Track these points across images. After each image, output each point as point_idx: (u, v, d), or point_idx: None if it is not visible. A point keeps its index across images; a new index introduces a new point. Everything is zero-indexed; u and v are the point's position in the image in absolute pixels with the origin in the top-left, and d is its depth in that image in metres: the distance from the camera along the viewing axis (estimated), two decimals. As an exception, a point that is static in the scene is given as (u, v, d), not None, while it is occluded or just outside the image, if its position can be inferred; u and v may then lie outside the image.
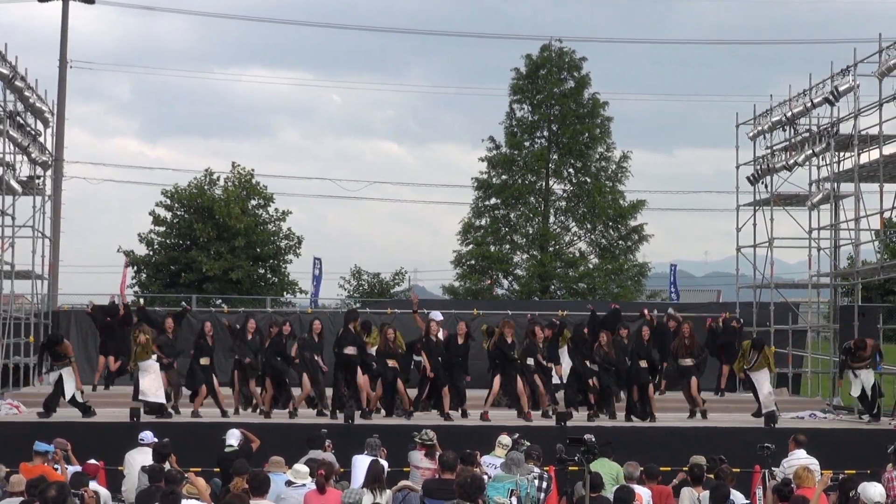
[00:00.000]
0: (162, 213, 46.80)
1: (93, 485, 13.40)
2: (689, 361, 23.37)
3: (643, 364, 22.66)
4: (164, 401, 21.62)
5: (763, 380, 22.55)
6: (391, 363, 22.13)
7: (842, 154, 28.35)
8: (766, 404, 22.37)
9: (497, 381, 22.26)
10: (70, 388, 21.50)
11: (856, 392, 22.98)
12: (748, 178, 30.71)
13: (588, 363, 22.51)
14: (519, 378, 22.15)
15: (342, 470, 15.50)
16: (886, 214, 27.28)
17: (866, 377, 22.81)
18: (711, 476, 14.65)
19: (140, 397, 21.41)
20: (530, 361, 22.41)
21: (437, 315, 23.38)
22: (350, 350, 21.97)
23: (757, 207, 30.69)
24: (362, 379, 22.02)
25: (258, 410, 22.41)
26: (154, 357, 21.60)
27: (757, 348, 22.65)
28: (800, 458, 15.91)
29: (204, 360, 22.22)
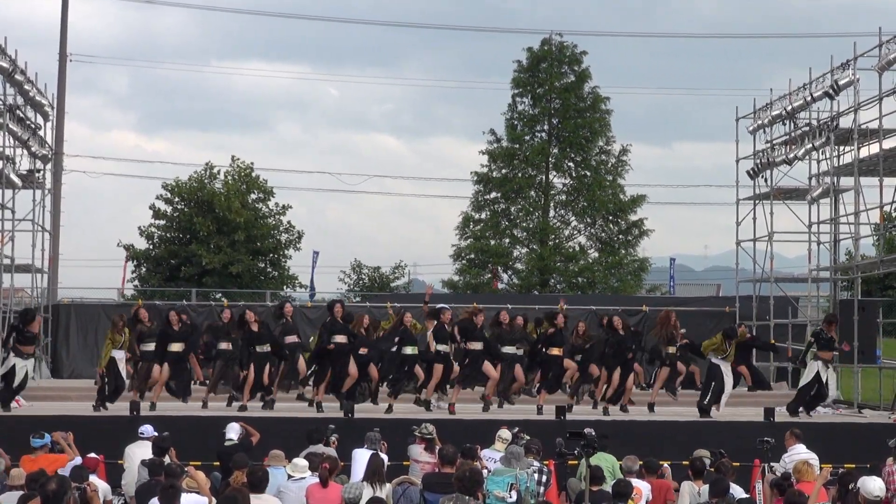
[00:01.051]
0: (162, 206, 46.82)
1: (92, 478, 13.39)
2: (671, 349, 23.22)
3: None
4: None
5: (729, 373, 22.50)
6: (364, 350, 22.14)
7: (841, 148, 28.37)
8: (725, 401, 22.39)
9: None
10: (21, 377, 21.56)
11: (805, 379, 22.89)
12: (748, 172, 30.71)
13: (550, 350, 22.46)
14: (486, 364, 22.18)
15: (343, 464, 15.52)
16: (886, 208, 27.31)
17: (826, 371, 22.75)
18: (712, 470, 14.67)
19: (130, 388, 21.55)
20: (510, 350, 22.46)
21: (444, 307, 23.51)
22: (340, 338, 21.89)
23: (757, 201, 30.69)
24: (353, 368, 21.92)
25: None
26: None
27: (730, 338, 22.50)
28: (800, 453, 15.93)
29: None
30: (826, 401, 23.54)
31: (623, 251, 48.77)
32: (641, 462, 15.13)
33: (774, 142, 29.80)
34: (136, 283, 46.45)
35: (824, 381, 22.67)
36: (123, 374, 21.64)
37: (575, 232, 49.69)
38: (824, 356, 22.75)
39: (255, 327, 22.15)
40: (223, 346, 22.79)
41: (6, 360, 21.69)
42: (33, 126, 28.77)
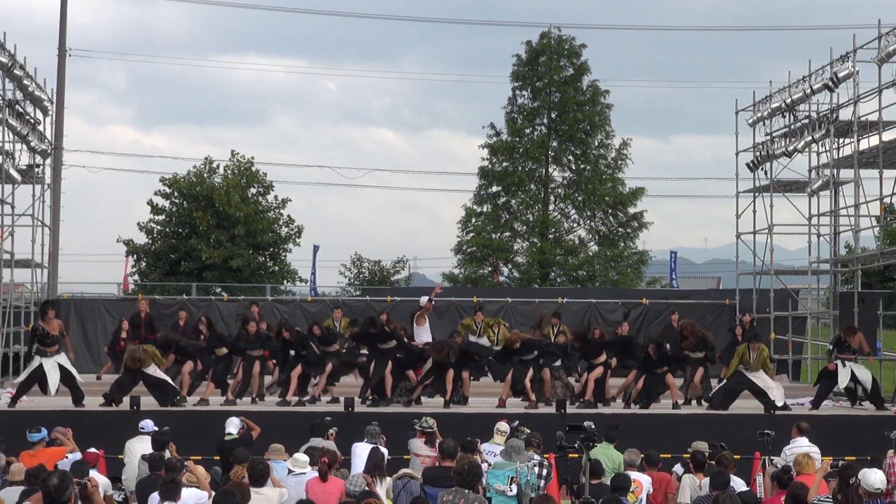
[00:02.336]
0: (161, 201, 46.76)
1: (93, 473, 13.40)
2: (699, 354, 23.10)
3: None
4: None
5: (764, 377, 22.34)
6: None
7: (841, 140, 28.34)
8: (779, 397, 22.24)
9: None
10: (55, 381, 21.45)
11: (843, 383, 22.77)
12: (748, 165, 30.69)
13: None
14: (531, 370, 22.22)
15: (342, 458, 15.53)
16: (886, 200, 27.27)
17: (861, 372, 22.65)
18: (713, 463, 14.67)
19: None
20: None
21: (424, 300, 23.55)
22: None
23: (756, 194, 30.67)
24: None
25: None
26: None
27: (753, 349, 22.43)
28: (801, 446, 15.95)
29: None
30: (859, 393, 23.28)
31: (623, 244, 48.78)
32: (643, 455, 15.13)
33: (774, 134, 29.77)
34: (136, 277, 46.42)
35: (860, 378, 22.59)
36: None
37: (575, 225, 49.71)
38: (845, 357, 22.67)
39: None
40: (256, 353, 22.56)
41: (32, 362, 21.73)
42: (33, 121, 28.74)
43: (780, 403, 21.90)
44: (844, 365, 22.53)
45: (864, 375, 22.62)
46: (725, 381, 22.39)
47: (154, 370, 21.26)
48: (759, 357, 21.99)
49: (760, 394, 22.01)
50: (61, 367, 21.37)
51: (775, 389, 22.26)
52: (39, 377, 21.36)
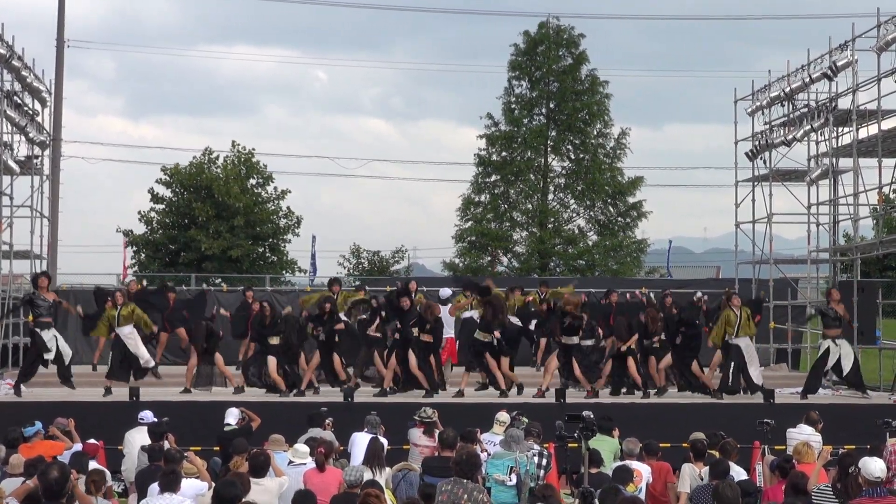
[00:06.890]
0: (161, 190, 46.77)
1: (92, 464, 13.41)
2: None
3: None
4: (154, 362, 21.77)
5: (751, 352, 22.15)
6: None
7: (840, 129, 28.30)
8: (758, 377, 22.14)
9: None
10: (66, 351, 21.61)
11: (832, 362, 22.69)
12: (746, 154, 30.63)
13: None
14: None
15: (341, 448, 15.53)
16: (885, 189, 27.26)
17: (845, 349, 22.60)
18: (715, 452, 14.66)
19: (145, 365, 21.47)
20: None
21: (446, 292, 23.57)
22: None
23: (756, 183, 30.64)
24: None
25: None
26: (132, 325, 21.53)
27: (748, 307, 22.22)
28: (802, 433, 16.00)
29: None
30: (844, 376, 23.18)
31: (622, 234, 48.82)
32: (642, 445, 15.13)
33: (773, 123, 29.73)
34: (136, 268, 46.41)
35: (836, 358, 22.45)
36: (143, 352, 21.56)
37: (574, 215, 49.76)
38: (831, 333, 22.58)
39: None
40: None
41: (34, 339, 21.69)
42: (31, 112, 28.70)
43: (758, 382, 21.80)
44: (836, 343, 22.40)
45: (847, 354, 22.47)
46: (722, 359, 22.17)
47: (132, 335, 21.31)
48: (743, 318, 21.73)
49: (742, 369, 21.88)
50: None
51: (755, 367, 22.12)
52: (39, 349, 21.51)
